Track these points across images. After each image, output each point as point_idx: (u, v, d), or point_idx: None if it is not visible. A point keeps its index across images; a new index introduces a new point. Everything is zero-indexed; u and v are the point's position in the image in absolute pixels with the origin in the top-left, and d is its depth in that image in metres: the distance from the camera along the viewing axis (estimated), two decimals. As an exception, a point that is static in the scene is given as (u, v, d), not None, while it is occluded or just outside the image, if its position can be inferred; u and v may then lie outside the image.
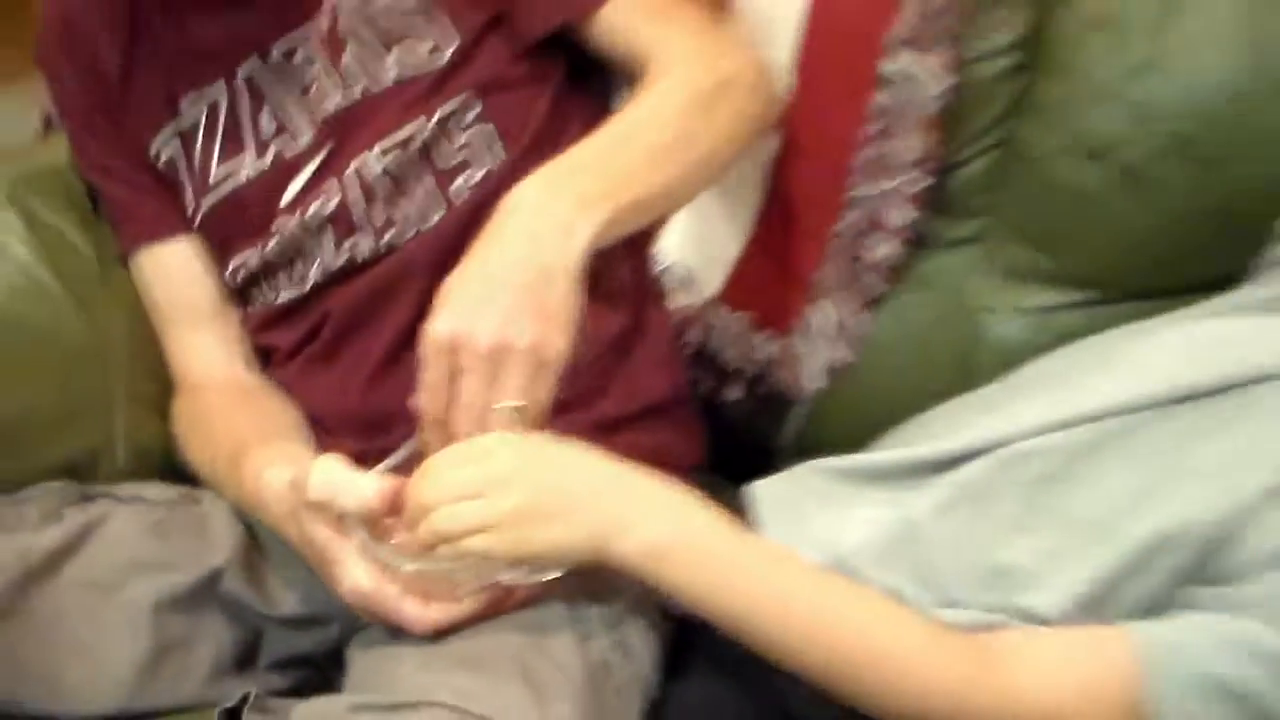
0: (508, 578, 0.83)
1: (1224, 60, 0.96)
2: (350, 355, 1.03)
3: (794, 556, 0.89)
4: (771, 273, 1.13)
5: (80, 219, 1.16)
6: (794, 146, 1.10)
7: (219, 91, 1.05)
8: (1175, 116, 0.96)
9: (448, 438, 0.83)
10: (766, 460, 1.10)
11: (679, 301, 1.15)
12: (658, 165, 0.92)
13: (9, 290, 1.09)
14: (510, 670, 0.80)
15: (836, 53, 1.07)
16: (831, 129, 1.08)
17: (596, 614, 0.87)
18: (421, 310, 0.87)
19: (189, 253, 1.09)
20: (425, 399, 0.84)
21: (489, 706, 0.75)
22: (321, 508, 0.83)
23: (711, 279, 1.15)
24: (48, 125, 1.30)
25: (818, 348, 1.11)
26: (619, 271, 1.05)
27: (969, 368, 1.05)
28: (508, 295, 0.82)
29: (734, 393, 1.16)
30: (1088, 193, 0.98)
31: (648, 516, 0.82)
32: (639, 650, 0.88)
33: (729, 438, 1.13)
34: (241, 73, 1.04)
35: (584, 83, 1.06)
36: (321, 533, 0.84)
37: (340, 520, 0.83)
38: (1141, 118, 0.97)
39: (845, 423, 1.06)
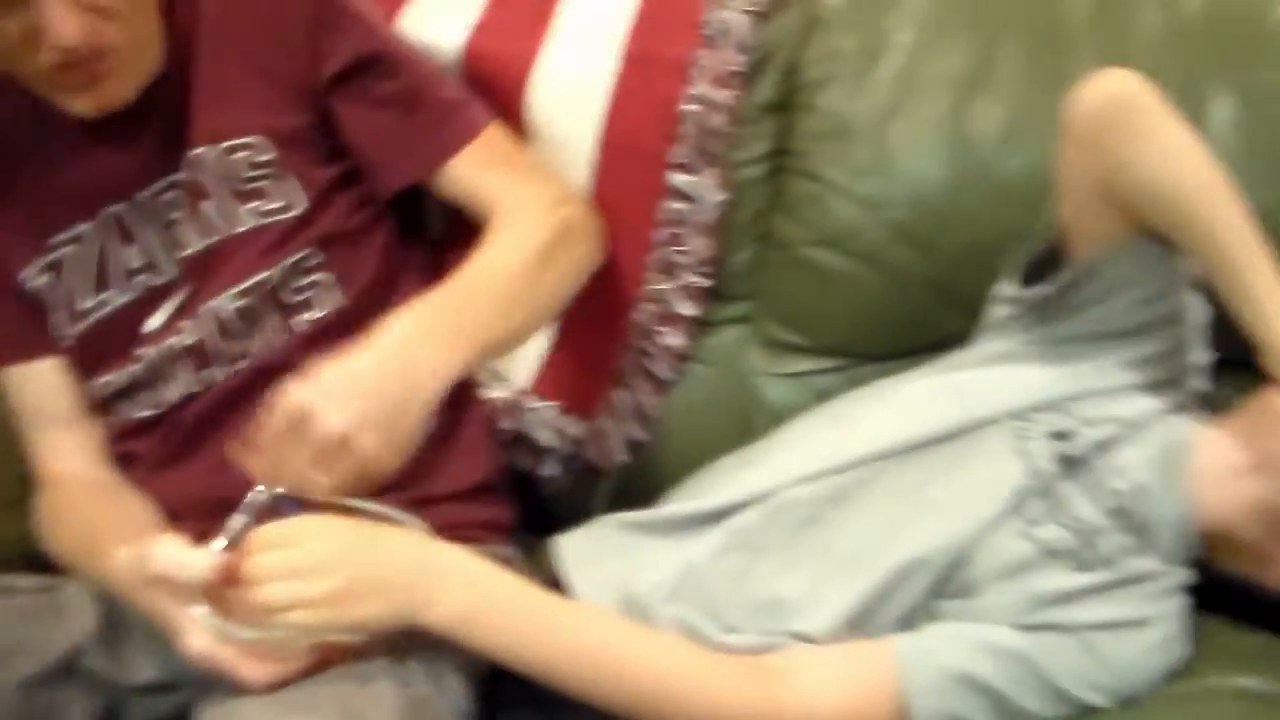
0: (332, 637, 0.93)
1: (933, 158, 1.15)
2: (201, 455, 1.13)
3: (591, 610, 1.03)
4: (576, 364, 1.27)
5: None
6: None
7: (89, 230, 1.15)
8: (897, 207, 1.15)
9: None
10: (585, 521, 1.23)
11: (493, 393, 1.27)
12: (511, 311, 1.06)
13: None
14: (335, 710, 0.90)
15: (628, 170, 1.23)
16: (627, 234, 1.23)
17: (416, 657, 0.98)
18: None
19: (52, 371, 1.19)
20: (262, 436, 0.93)
21: None
22: (162, 582, 0.92)
23: (522, 373, 1.28)
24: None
25: (620, 428, 1.26)
26: None
27: (749, 428, 1.21)
28: (370, 402, 0.93)
29: (550, 469, 1.29)
30: (830, 275, 1.16)
31: (450, 591, 0.93)
32: (454, 686, 0.99)
33: (551, 504, 1.27)
34: (111, 212, 1.14)
35: (417, 226, 1.20)
36: (164, 605, 0.93)
37: (181, 592, 0.92)
38: (870, 210, 1.16)
39: (650, 485, 1.20)
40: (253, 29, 1.14)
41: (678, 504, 1.12)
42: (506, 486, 1.24)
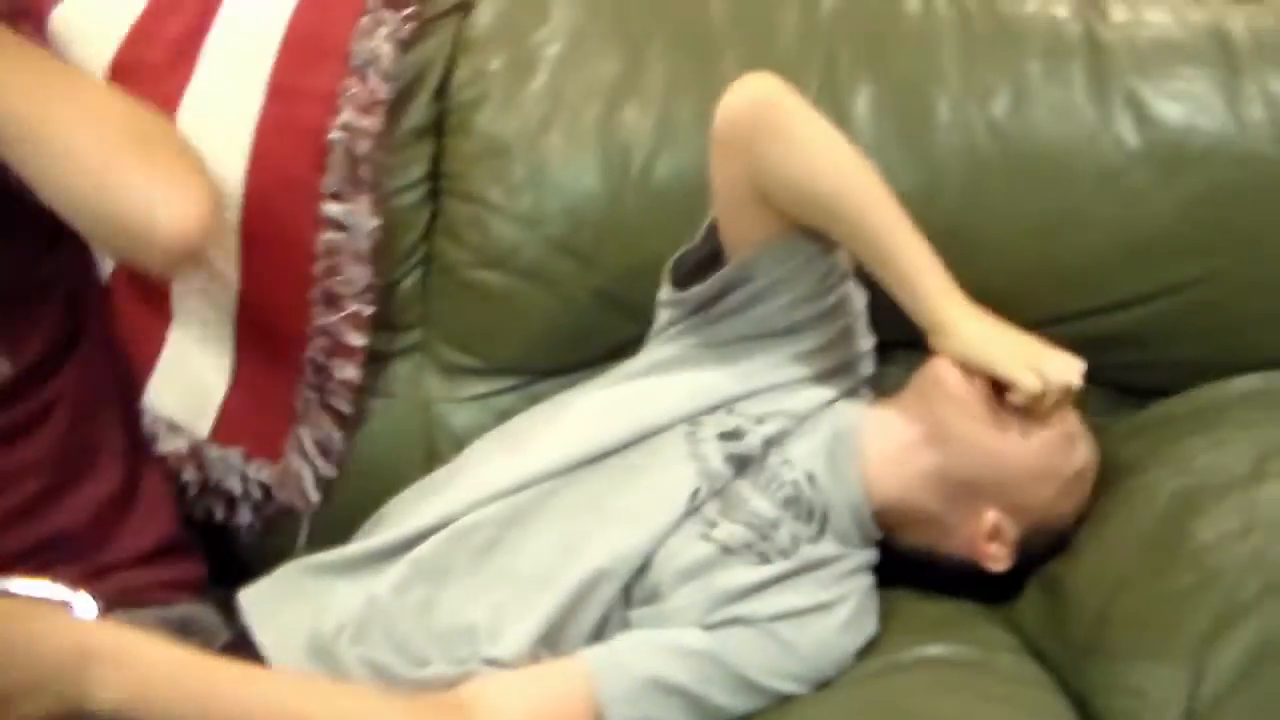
0: None
1: (587, 170, 1.16)
2: None
3: (259, 672, 0.99)
4: (255, 406, 1.22)
5: None
6: (255, 289, 1.20)
7: None
8: (555, 222, 1.16)
9: None
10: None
11: (171, 445, 1.21)
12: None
13: None
14: None
15: (280, 203, 1.19)
16: (286, 268, 1.19)
17: None
18: None
19: None
20: None
21: None
22: None
23: (200, 422, 1.23)
24: None
25: (308, 466, 1.22)
26: (109, 436, 1.14)
27: (435, 456, 1.19)
28: None
29: (244, 517, 1.24)
30: (496, 295, 1.15)
31: (108, 675, 0.87)
32: None
33: (248, 553, 1.22)
34: None
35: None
36: None
37: None
38: (529, 227, 1.16)
39: (346, 522, 1.15)
40: None
41: (359, 541, 1.10)
42: (192, 542, 1.19)
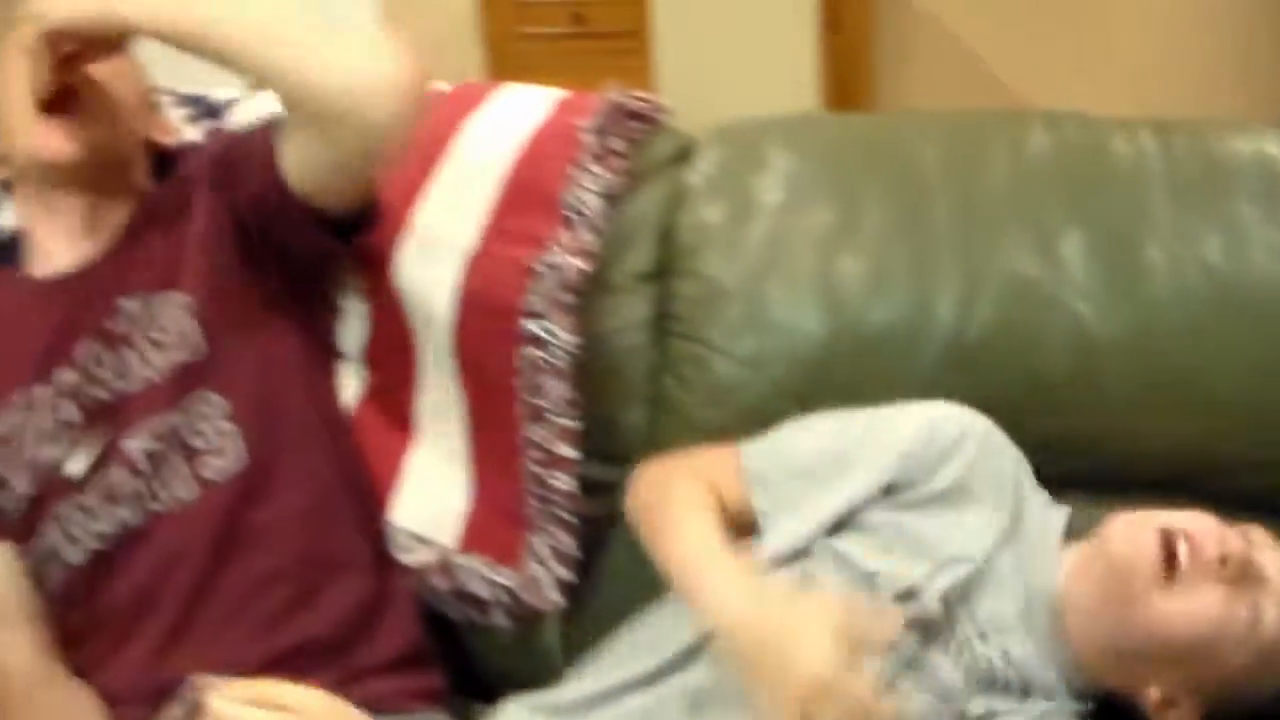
0: None
1: (806, 315, 1.21)
2: (135, 639, 1.16)
3: None
4: (492, 517, 1.29)
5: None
6: (478, 407, 1.29)
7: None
8: (775, 364, 1.21)
9: None
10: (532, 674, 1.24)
11: (418, 558, 1.28)
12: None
13: None
14: None
15: (487, 321, 1.27)
16: (496, 385, 1.27)
17: None
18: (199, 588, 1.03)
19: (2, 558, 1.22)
20: None
21: None
22: None
23: (446, 534, 1.30)
24: None
25: (547, 571, 1.27)
26: (352, 548, 1.23)
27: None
28: None
29: (497, 618, 1.29)
30: (719, 434, 1.19)
31: None
32: None
33: (491, 663, 1.30)
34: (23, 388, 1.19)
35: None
36: None
37: None
38: (750, 368, 1.21)
39: (598, 627, 1.21)
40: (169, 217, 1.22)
41: (578, 681, 1.14)
42: (433, 654, 1.26)
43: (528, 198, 1.30)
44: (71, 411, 1.19)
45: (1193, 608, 1.01)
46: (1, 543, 1.22)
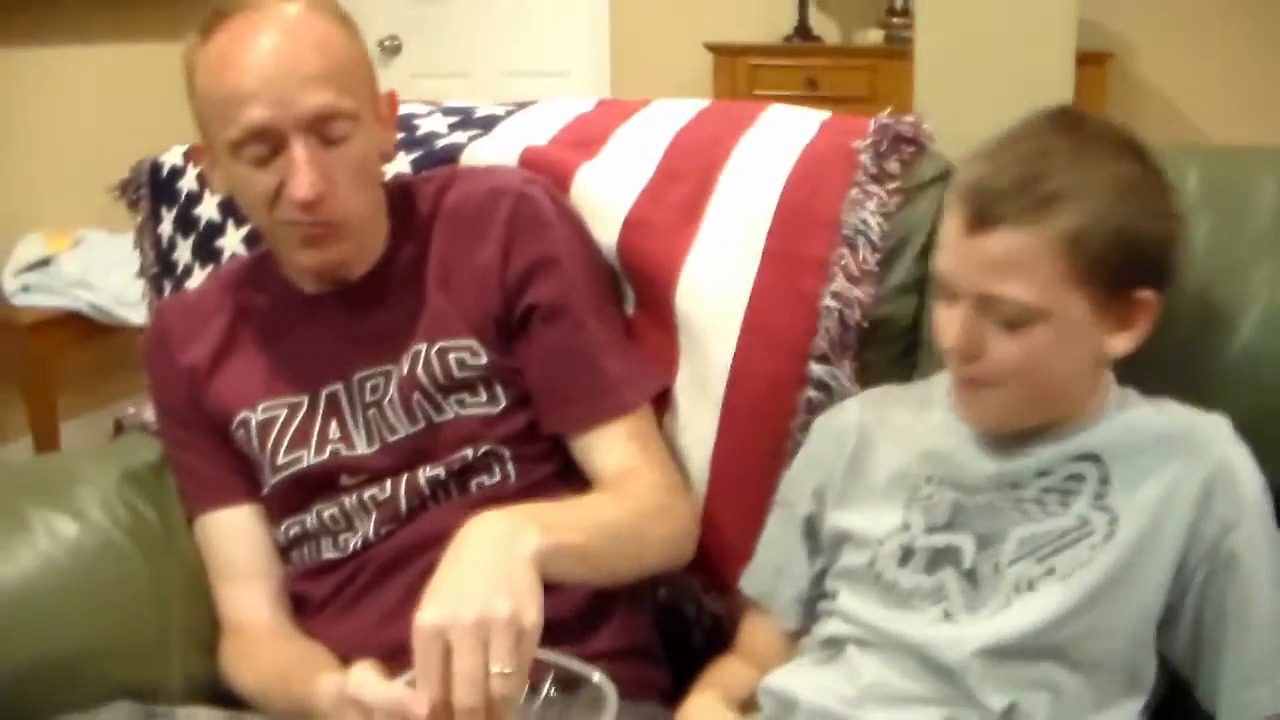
0: None
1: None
2: (370, 604, 1.24)
3: None
4: (722, 545, 1.32)
5: (148, 494, 1.39)
6: (732, 439, 1.32)
7: (300, 403, 1.29)
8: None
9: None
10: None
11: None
12: (592, 539, 1.12)
13: (90, 554, 1.31)
14: None
15: (768, 359, 1.32)
16: (767, 420, 1.31)
17: None
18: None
19: (243, 518, 1.32)
20: (423, 684, 0.95)
21: None
22: (356, 703, 1.00)
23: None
24: (118, 430, 1.55)
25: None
26: None
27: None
28: (482, 581, 0.99)
29: (696, 639, 1.36)
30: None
31: None
32: None
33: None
34: (325, 392, 1.29)
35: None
36: None
37: (369, 715, 0.99)
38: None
39: None
40: (466, 256, 1.30)
41: None
42: (661, 652, 1.31)
43: (806, 218, 1.34)
44: (344, 434, 1.28)
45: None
46: (246, 505, 1.32)
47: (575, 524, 1.13)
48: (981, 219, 1.04)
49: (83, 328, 2.96)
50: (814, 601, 1.22)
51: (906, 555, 1.13)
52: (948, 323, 1.08)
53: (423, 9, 4.44)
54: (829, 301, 1.31)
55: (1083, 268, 1.04)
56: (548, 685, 1.04)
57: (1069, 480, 1.10)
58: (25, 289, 2.98)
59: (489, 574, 1.00)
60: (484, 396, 1.27)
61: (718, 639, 1.32)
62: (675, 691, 1.26)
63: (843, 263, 1.31)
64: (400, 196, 1.34)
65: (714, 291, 1.34)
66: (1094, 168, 1.06)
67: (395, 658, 1.14)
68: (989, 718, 1.05)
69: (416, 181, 1.39)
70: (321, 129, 1.19)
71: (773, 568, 1.24)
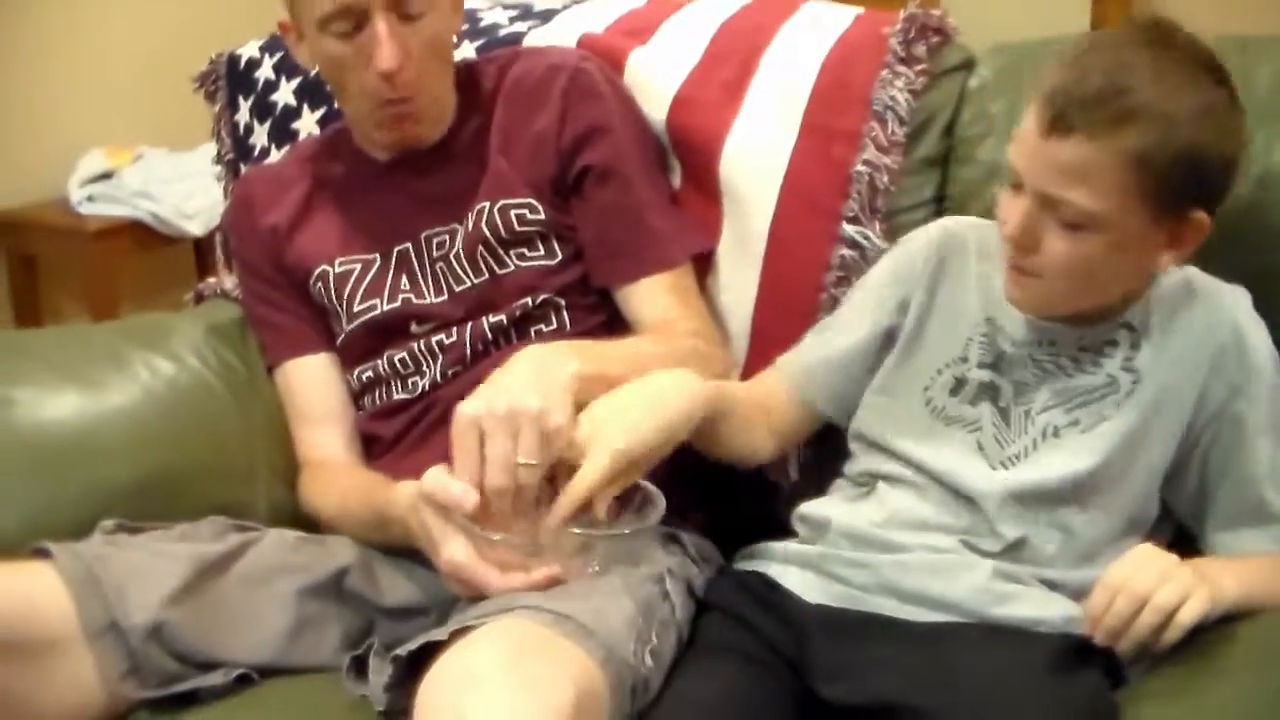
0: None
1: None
2: (436, 441, 1.33)
3: None
4: None
5: (233, 346, 1.53)
6: (772, 293, 1.44)
7: (374, 259, 1.41)
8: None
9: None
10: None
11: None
12: (630, 371, 1.21)
13: (186, 389, 1.45)
14: (578, 592, 1.09)
15: (804, 221, 1.43)
16: (802, 276, 1.43)
17: (641, 582, 1.17)
18: None
19: (320, 366, 1.45)
20: (459, 469, 1.09)
21: (564, 608, 1.04)
22: (431, 499, 1.12)
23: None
24: (198, 299, 1.69)
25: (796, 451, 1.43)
26: None
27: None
28: (519, 382, 1.13)
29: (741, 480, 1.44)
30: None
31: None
32: (678, 607, 1.19)
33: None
34: (395, 251, 1.41)
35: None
36: (431, 518, 1.13)
37: (445, 510, 1.12)
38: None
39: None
40: (526, 124, 1.41)
41: None
42: (697, 497, 1.41)
43: (841, 95, 1.45)
44: (415, 284, 1.39)
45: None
46: (323, 353, 1.45)
47: (615, 357, 1.25)
48: (1057, 124, 1.08)
49: (144, 236, 3.08)
50: (850, 400, 1.31)
51: (959, 385, 1.24)
52: (1010, 211, 1.13)
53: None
54: (860, 168, 1.42)
55: (1148, 185, 1.07)
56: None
57: (1105, 345, 1.19)
58: (90, 199, 3.10)
59: (527, 380, 1.13)
60: (542, 250, 1.39)
61: (755, 483, 1.41)
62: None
63: (873, 135, 1.42)
64: (466, 74, 1.46)
65: (755, 160, 1.45)
66: (1174, 88, 1.08)
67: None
68: (1001, 544, 1.17)
69: (480, 61, 1.51)
70: (401, 6, 1.31)
71: (823, 358, 1.33)
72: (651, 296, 1.39)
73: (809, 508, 1.29)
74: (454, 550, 1.12)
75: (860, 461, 1.29)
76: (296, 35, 1.40)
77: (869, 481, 1.27)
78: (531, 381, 1.13)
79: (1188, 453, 1.18)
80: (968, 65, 1.47)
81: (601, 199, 1.40)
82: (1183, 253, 1.14)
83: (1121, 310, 1.19)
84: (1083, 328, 1.20)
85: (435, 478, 1.13)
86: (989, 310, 1.25)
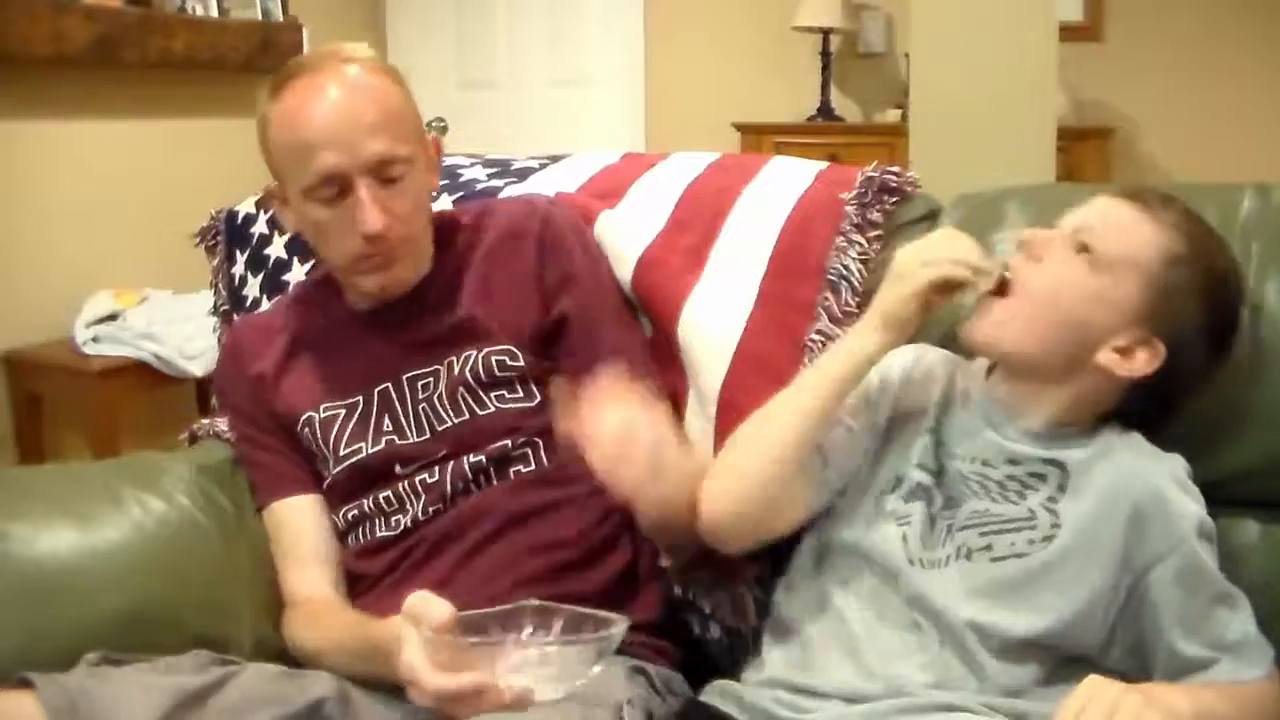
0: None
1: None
2: (420, 578, 1.40)
3: None
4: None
5: (222, 486, 1.59)
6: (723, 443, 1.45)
7: (357, 402, 1.49)
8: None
9: None
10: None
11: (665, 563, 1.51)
12: None
13: (176, 526, 1.51)
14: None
15: (757, 383, 1.46)
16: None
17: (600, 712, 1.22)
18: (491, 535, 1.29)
19: (308, 507, 1.52)
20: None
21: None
22: (409, 611, 1.17)
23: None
24: (192, 440, 1.76)
25: (750, 595, 1.49)
26: (622, 533, 1.47)
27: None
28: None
29: (714, 632, 1.52)
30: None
31: None
32: None
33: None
34: (377, 392, 1.49)
35: None
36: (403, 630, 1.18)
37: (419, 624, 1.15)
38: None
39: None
40: (505, 268, 1.51)
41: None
42: (674, 631, 1.48)
43: (798, 263, 1.54)
44: (397, 426, 1.46)
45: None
46: (310, 495, 1.51)
47: None
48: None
49: (147, 376, 3.17)
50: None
51: (898, 482, 1.32)
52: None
53: (468, 94, 4.75)
54: (814, 337, 1.50)
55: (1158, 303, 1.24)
56: (558, 625, 1.20)
57: (1032, 476, 1.26)
58: (95, 339, 3.20)
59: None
60: (521, 393, 1.47)
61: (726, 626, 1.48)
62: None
63: (826, 305, 1.51)
64: (441, 223, 1.56)
65: (711, 327, 1.53)
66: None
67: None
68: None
69: (455, 211, 1.61)
70: (382, 171, 1.41)
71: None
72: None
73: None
74: (410, 654, 1.16)
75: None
76: (281, 201, 1.50)
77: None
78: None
79: (1119, 611, 1.22)
80: (932, 216, 1.55)
81: (573, 344, 1.49)
82: (1127, 368, 1.24)
83: (1065, 436, 1.27)
84: (1021, 446, 1.27)
85: (418, 594, 1.18)
86: (938, 416, 1.32)
